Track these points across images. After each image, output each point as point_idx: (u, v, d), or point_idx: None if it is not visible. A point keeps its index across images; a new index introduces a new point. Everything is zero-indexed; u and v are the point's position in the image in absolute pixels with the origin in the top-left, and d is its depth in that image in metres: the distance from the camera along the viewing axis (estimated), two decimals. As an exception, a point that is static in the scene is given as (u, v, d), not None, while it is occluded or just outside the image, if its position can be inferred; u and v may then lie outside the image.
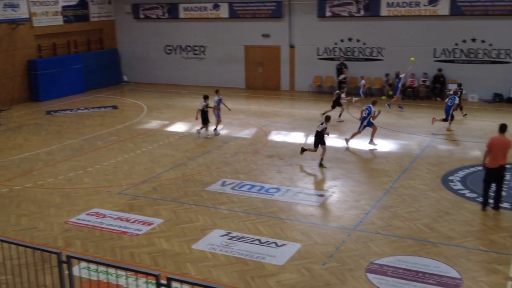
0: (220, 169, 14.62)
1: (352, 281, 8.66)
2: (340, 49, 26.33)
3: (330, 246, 9.92)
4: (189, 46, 29.36)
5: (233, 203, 12.17)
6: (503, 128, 11.39)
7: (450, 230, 10.54)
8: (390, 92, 24.78)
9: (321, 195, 12.67)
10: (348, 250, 9.76)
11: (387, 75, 25.02)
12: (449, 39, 23.93)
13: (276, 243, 10.08)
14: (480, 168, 12.53)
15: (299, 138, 18.15)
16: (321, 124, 15.00)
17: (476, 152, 15.43)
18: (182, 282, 5.77)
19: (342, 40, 26.19)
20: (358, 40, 25.87)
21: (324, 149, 14.87)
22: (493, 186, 11.46)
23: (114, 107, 23.87)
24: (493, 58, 23.37)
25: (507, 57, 23.05)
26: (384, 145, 16.96)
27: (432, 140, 17.32)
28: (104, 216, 11.56)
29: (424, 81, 24.27)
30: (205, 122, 17.93)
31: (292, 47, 27.10)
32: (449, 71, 24.15)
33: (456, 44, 23.89)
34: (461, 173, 13.92)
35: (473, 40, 23.49)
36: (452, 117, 18.30)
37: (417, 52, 23.96)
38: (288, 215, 11.52)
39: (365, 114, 16.54)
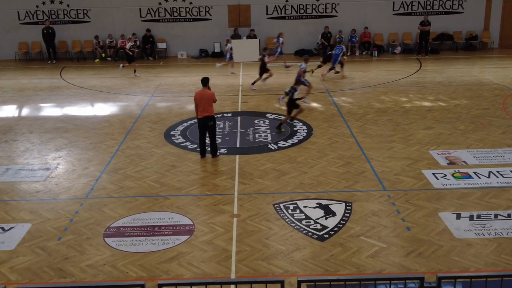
0: None
1: (91, 250, 8.60)
2: (43, 12, 24.71)
3: (63, 220, 9.60)
4: None
5: None
6: (204, 81, 12.38)
7: (177, 181, 11.22)
8: (103, 55, 24.49)
9: (46, 169, 12.03)
10: (83, 219, 9.60)
11: (96, 37, 24.56)
12: (153, -1, 24.59)
13: (3, 228, 9.30)
14: (195, 120, 13.52)
15: (11, 111, 16.72)
16: (290, 89, 14.21)
17: (191, 106, 16.53)
18: None
19: (44, 3, 24.58)
20: (61, 2, 24.59)
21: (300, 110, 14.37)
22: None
23: None
24: (195, 16, 24.93)
25: (207, 14, 24.86)
26: (105, 108, 16.86)
27: (151, 99, 17.90)
28: None
29: (135, 42, 24.58)
30: None
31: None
32: (157, 31, 24.96)
33: (160, 4, 24.68)
34: (181, 127, 14.81)
35: (176, -1, 24.60)
36: (342, 64, 20.18)
37: (124, 12, 24.06)
38: (11, 195, 10.68)
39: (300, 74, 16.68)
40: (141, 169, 11.93)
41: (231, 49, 21.41)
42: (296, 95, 14.21)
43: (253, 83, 19.11)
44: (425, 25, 23.97)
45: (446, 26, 24.90)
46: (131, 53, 21.31)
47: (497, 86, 18.37)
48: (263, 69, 19.04)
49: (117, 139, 13.93)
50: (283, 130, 14.26)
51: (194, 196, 10.55)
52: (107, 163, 12.29)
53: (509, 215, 9.44)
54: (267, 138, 13.81)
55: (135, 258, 8.35)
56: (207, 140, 12.50)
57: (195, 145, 13.17)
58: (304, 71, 17.08)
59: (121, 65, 21.68)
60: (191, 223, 9.45)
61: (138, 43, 23.99)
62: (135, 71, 21.33)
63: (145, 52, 24.88)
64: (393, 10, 24.83)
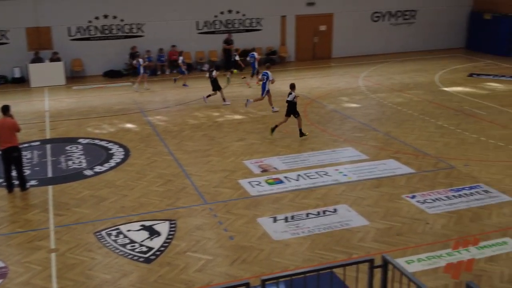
0: None
1: None
2: (96, 27, 23.60)
3: None
4: None
5: None
6: (4, 109, 11.51)
7: (-17, 222, 10.18)
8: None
9: None
10: None
11: None
12: None
13: None
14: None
15: None
16: (290, 94, 14.60)
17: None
18: None
19: (97, 18, 23.39)
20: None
21: (299, 119, 14.82)
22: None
23: None
24: (-11, 39, 22.95)
25: (3, 38, 23.02)
26: None
27: None
28: None
29: None
30: None
31: None
32: None
33: None
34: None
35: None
36: (257, 71, 21.34)
37: None
38: None
39: (264, 80, 17.42)
40: None
41: (183, 62, 22.24)
42: (291, 98, 14.56)
43: (207, 96, 18.97)
44: (229, 43, 25.17)
45: (248, 43, 26.42)
46: None
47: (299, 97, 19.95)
48: (215, 85, 18.83)
49: None
50: (306, 134, 14.95)
51: (4, 236, 9.66)
52: None
53: (318, 213, 10.34)
54: (82, 164, 13.23)
55: None
56: (14, 173, 11.54)
57: (0, 180, 12.08)
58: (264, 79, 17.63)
59: None
60: (3, 265, 8.64)
61: None
62: None
63: None
64: (197, 29, 25.61)
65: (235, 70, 21.98)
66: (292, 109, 14.70)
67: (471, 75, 23.01)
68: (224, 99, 18.96)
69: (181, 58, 22.49)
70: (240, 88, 21.49)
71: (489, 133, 14.98)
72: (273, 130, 15.02)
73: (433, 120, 16.34)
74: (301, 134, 14.89)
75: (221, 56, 25.96)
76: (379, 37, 28.50)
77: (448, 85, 21.06)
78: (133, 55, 24.29)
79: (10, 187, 11.54)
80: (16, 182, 11.61)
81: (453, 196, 11.01)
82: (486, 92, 19.85)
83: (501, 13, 27.43)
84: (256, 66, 21.91)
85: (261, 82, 17.99)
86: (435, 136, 14.86)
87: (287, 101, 14.70)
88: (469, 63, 25.81)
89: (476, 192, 11.17)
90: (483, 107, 17.70)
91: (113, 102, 19.62)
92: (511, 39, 26.89)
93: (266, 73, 17.62)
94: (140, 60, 21.84)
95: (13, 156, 11.34)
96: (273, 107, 17.69)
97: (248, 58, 22.54)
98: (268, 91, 17.53)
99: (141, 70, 21.52)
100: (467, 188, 11.35)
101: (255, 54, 22.27)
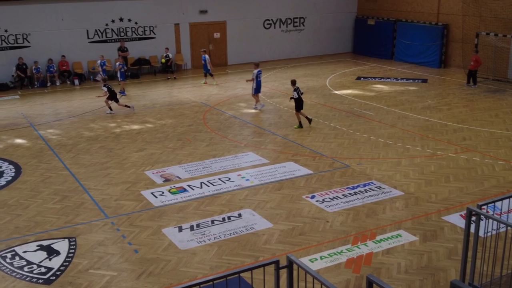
0: None
1: None
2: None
3: None
4: None
5: None
6: None
7: None
8: None
9: None
10: None
11: None
12: None
13: None
14: None
15: None
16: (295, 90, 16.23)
17: None
18: None
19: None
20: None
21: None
22: None
23: None
24: None
25: None
26: None
27: None
28: None
29: None
30: None
31: None
32: None
33: None
34: None
35: None
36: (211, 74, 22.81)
37: None
38: None
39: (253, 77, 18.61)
40: None
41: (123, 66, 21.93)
42: (296, 95, 16.11)
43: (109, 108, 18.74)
44: (124, 51, 24.62)
45: (142, 51, 25.99)
46: None
47: (196, 104, 20.01)
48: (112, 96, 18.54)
49: None
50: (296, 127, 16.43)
51: None
52: None
53: (223, 219, 10.41)
54: (-32, 185, 12.31)
55: None
56: None
57: None
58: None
59: None
60: None
61: None
62: None
63: None
64: (88, 38, 24.78)
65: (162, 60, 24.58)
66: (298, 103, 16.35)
67: (358, 78, 24.30)
68: (110, 108, 18.72)
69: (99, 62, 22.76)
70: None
71: (378, 132, 15.91)
72: (310, 120, 16.65)
73: (326, 122, 17.06)
74: (310, 120, 16.67)
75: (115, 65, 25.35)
76: (271, 43, 29.26)
77: (338, 88, 22.09)
78: (20, 67, 23.05)
79: None
80: None
81: (349, 194, 11.57)
82: (373, 94, 21.07)
83: (383, 18, 29.25)
84: (209, 67, 23.07)
85: (249, 82, 19.19)
86: (329, 137, 15.52)
87: (293, 98, 16.34)
88: (356, 66, 27.25)
89: (370, 188, 11.82)
90: (371, 108, 18.77)
91: (-1, 117, 18.48)
92: (393, 43, 28.76)
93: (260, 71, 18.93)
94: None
95: None
96: (259, 104, 18.98)
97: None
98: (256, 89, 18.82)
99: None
100: (361, 186, 11.98)
101: (206, 56, 23.11)
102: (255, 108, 18.84)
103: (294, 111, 16.56)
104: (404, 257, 8.96)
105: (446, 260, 8.82)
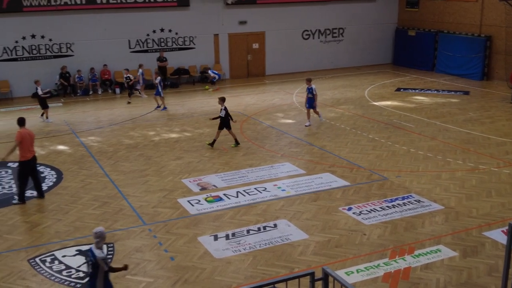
0: None
1: None
2: (23, 47, 22.60)
3: None
4: None
5: None
6: (22, 121, 11.87)
7: None
8: None
9: None
10: None
11: None
12: None
13: None
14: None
15: None
16: (222, 109, 15.32)
17: None
18: None
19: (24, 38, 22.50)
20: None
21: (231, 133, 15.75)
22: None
23: None
24: None
25: None
26: None
27: None
28: None
29: None
30: None
31: None
32: None
33: None
34: None
35: None
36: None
37: None
38: None
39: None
40: None
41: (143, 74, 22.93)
42: (223, 114, 15.47)
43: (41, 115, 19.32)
44: (163, 61, 25.01)
45: (181, 61, 26.33)
46: None
47: (233, 113, 20.07)
48: (43, 103, 19.09)
49: None
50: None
51: None
52: None
53: (259, 229, 10.40)
54: (12, 189, 12.68)
55: None
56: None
57: None
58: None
59: None
60: None
61: None
62: None
63: None
64: (130, 47, 25.29)
65: (206, 86, 24.59)
66: (225, 123, 15.51)
67: (398, 89, 23.98)
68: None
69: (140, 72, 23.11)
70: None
71: (418, 144, 15.63)
72: (213, 143, 15.76)
73: (365, 133, 16.87)
74: (237, 143, 15.82)
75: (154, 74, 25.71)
76: (310, 54, 29.21)
77: (377, 100, 21.84)
78: (63, 75, 23.68)
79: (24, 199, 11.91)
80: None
81: (387, 206, 11.38)
82: (413, 105, 20.74)
83: (424, 29, 28.84)
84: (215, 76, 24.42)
85: None
86: (367, 149, 15.34)
87: (221, 117, 15.45)
88: (396, 78, 26.91)
89: (408, 202, 11.60)
90: (411, 120, 18.47)
91: (43, 124, 18.98)
92: (434, 54, 28.30)
93: (311, 88, 17.92)
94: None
95: (34, 165, 11.89)
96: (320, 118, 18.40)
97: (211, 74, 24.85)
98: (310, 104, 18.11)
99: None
100: (400, 199, 11.77)
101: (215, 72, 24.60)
102: (321, 120, 18.42)
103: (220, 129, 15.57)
104: (443, 272, 8.74)
105: (487, 277, 8.56)
